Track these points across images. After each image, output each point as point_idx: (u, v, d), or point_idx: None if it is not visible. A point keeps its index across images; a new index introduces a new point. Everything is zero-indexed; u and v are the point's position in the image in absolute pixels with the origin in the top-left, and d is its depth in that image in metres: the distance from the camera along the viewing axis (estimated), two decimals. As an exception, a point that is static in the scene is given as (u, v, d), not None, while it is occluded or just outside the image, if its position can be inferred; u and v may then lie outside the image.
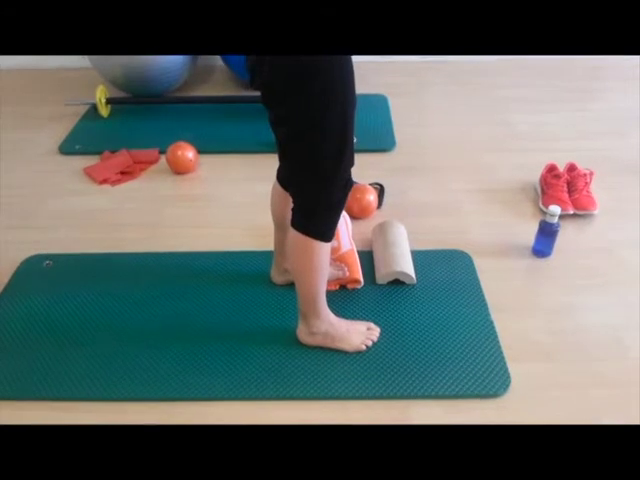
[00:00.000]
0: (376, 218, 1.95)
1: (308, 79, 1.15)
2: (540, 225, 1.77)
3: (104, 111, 2.61)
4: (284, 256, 1.55)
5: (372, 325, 1.54)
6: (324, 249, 1.35)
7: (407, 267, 1.69)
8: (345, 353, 1.49)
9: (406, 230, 1.82)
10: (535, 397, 1.39)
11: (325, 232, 1.33)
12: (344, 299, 1.65)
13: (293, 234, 1.34)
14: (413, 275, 1.68)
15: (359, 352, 1.49)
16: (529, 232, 1.83)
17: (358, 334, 1.51)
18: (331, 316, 1.49)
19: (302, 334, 1.51)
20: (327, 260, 1.39)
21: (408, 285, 1.69)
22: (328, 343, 1.50)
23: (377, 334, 1.53)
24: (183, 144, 2.24)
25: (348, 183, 1.31)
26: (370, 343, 1.51)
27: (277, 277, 1.70)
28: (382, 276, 1.69)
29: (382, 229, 1.81)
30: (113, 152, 2.35)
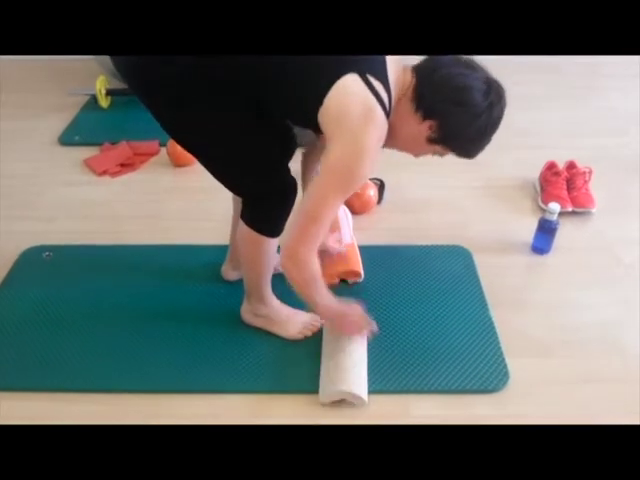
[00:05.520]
0: (376, 213, 1.95)
1: (154, 87, 1.20)
2: (539, 222, 1.78)
3: (104, 102, 2.60)
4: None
5: (317, 318, 1.54)
6: (271, 243, 1.38)
7: (356, 385, 1.34)
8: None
9: (405, 226, 1.82)
10: (533, 393, 1.40)
11: (270, 228, 1.36)
12: (344, 293, 1.65)
13: (242, 225, 1.38)
14: (364, 395, 1.34)
15: (295, 340, 1.51)
16: (528, 229, 1.84)
17: (297, 323, 1.53)
18: (275, 302, 1.52)
19: (246, 313, 1.55)
20: (273, 252, 1.41)
21: (407, 280, 1.69)
22: (268, 326, 1.53)
23: (318, 326, 1.54)
24: (183, 136, 2.23)
25: (278, 178, 1.33)
26: (309, 333, 1.53)
27: (230, 273, 1.68)
28: (326, 395, 1.35)
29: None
30: (113, 144, 2.35)
